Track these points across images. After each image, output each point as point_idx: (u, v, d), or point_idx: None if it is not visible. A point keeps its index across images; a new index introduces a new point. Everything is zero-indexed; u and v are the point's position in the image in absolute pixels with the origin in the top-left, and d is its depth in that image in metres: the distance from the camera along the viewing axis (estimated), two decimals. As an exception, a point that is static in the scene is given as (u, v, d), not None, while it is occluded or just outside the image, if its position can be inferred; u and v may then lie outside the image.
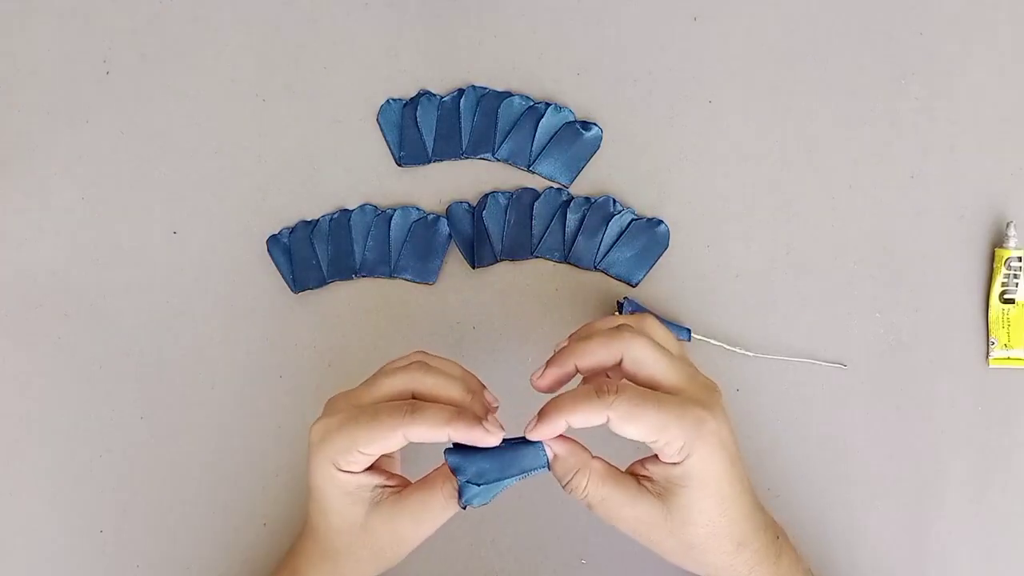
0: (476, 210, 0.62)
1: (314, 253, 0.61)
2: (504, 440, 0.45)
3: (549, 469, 0.46)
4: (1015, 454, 0.60)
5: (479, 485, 0.45)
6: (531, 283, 0.62)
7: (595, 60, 0.63)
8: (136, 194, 0.62)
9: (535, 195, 0.62)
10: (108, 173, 0.63)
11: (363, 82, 0.63)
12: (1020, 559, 0.59)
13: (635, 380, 0.47)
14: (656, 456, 0.46)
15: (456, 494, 0.46)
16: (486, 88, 0.63)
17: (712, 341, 0.60)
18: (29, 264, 0.62)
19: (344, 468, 0.46)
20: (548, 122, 0.62)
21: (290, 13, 0.64)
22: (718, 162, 0.62)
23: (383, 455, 0.47)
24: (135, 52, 0.64)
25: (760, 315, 0.61)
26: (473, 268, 0.62)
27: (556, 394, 0.46)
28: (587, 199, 0.62)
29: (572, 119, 0.62)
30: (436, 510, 0.47)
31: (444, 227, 0.62)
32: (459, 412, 0.45)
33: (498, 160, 0.62)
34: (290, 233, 0.62)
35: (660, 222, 0.62)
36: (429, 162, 0.62)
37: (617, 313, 0.60)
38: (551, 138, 0.62)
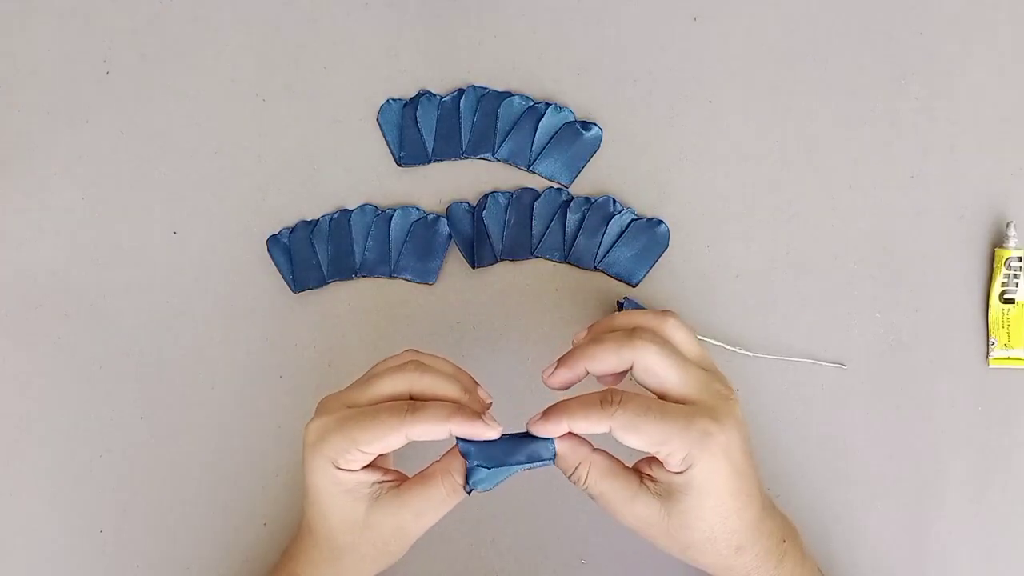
0: (476, 210, 0.62)
1: (314, 253, 0.61)
2: (506, 435, 0.46)
3: (554, 463, 0.47)
4: (1015, 454, 0.60)
5: (488, 468, 0.46)
6: (531, 283, 0.62)
7: (595, 60, 0.63)
8: (136, 194, 0.62)
9: (535, 195, 0.62)
10: (108, 173, 0.63)
11: (363, 82, 0.63)
12: (1020, 559, 0.59)
13: (646, 388, 0.47)
14: (655, 468, 0.47)
15: (462, 479, 0.46)
16: (486, 88, 0.63)
17: (712, 341, 0.60)
18: (29, 264, 0.62)
19: (343, 467, 0.46)
20: (548, 122, 0.62)
21: (290, 13, 0.64)
22: (718, 162, 0.62)
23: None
24: (135, 52, 0.64)
25: (760, 315, 0.61)
26: (473, 268, 0.62)
27: (564, 395, 0.47)
28: (587, 199, 0.62)
29: (572, 119, 0.62)
30: (438, 502, 0.47)
31: (444, 227, 0.62)
32: (458, 408, 0.45)
33: (498, 160, 0.62)
34: (290, 233, 0.62)
35: (660, 222, 0.62)
36: (429, 162, 0.62)
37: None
38: (551, 138, 0.62)
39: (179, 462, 0.60)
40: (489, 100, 0.63)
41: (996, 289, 0.60)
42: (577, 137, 0.62)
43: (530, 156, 0.62)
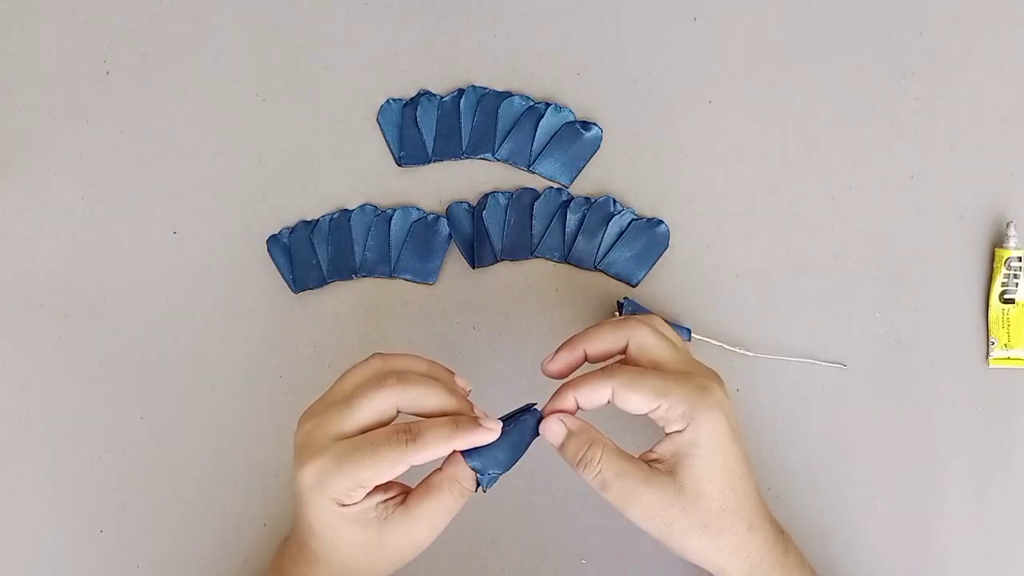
0: (476, 210, 0.62)
1: (314, 253, 0.61)
2: (503, 423, 0.47)
3: (539, 424, 0.48)
4: (1015, 454, 0.60)
5: (498, 471, 0.47)
6: (531, 283, 0.62)
7: (595, 60, 0.63)
8: (136, 194, 0.62)
9: (535, 195, 0.62)
10: (108, 173, 0.63)
11: (363, 82, 0.63)
12: (1020, 559, 0.59)
13: (640, 364, 0.49)
14: (658, 446, 0.48)
15: (471, 484, 0.47)
16: (486, 88, 0.63)
17: (712, 341, 0.60)
18: (29, 264, 0.62)
19: (348, 503, 0.45)
20: (548, 122, 0.62)
21: (290, 13, 0.64)
22: (718, 162, 0.62)
23: None
24: (135, 52, 0.64)
25: (760, 315, 0.61)
26: (473, 268, 0.62)
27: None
28: (587, 199, 0.62)
29: (572, 119, 0.62)
30: (447, 510, 0.47)
31: (444, 227, 0.62)
32: (456, 424, 0.45)
33: (498, 160, 0.62)
34: (290, 233, 0.62)
35: (660, 222, 0.62)
36: (429, 162, 0.62)
37: (617, 313, 0.60)
38: (551, 138, 0.62)
39: (179, 462, 0.60)
40: (489, 100, 0.63)
41: (996, 289, 0.60)
42: (577, 137, 0.62)
43: (530, 156, 0.62)
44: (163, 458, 0.60)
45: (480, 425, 0.45)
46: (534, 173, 0.62)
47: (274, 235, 0.62)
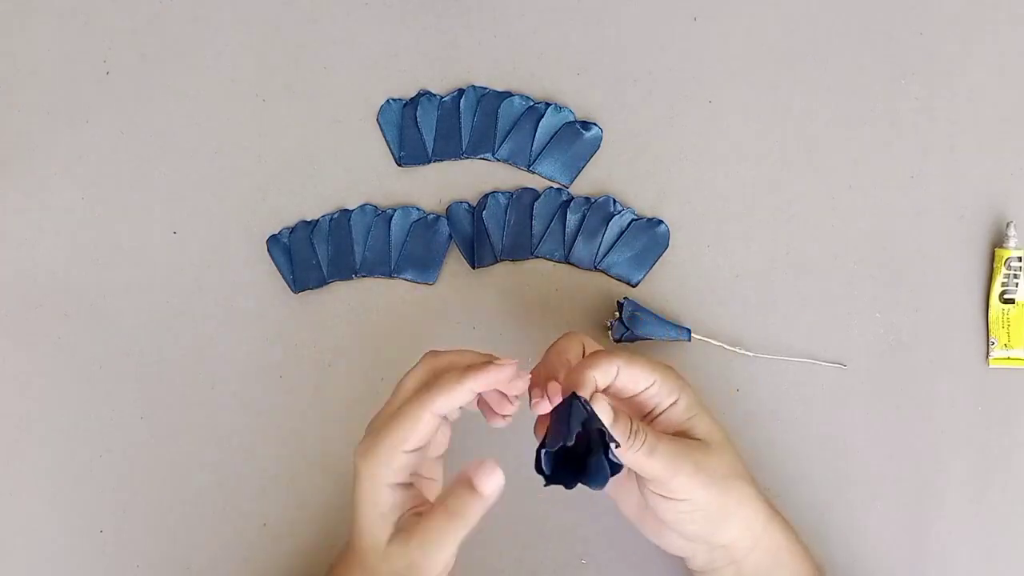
0: (476, 210, 0.62)
1: (314, 253, 0.61)
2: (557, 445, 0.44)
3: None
4: (1015, 454, 0.60)
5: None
6: (531, 283, 0.62)
7: (595, 60, 0.63)
8: (136, 194, 0.62)
9: (535, 195, 0.62)
10: (108, 173, 0.63)
11: (363, 82, 0.63)
12: (1020, 559, 0.59)
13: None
14: (659, 425, 0.51)
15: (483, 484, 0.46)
16: (486, 88, 0.63)
17: (712, 341, 0.60)
18: (29, 264, 0.62)
19: (393, 480, 0.46)
20: (548, 122, 0.62)
21: (290, 13, 0.64)
22: (718, 162, 0.62)
23: (425, 478, 0.50)
24: (135, 52, 0.64)
25: (760, 315, 0.61)
26: (473, 268, 0.62)
27: None
28: (587, 199, 0.62)
29: (572, 119, 0.62)
30: (437, 534, 0.46)
31: (444, 227, 0.62)
32: (470, 367, 0.46)
33: (498, 160, 0.62)
34: (290, 233, 0.62)
35: (660, 222, 0.62)
36: (429, 162, 0.62)
37: (617, 313, 0.60)
38: (551, 138, 0.62)
39: (179, 462, 0.60)
40: (489, 100, 0.63)
41: (996, 289, 0.60)
42: (577, 137, 0.62)
43: (530, 156, 0.62)
44: (163, 458, 0.60)
45: (491, 364, 0.46)
46: (534, 173, 0.62)
47: (274, 235, 0.62)
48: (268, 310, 0.61)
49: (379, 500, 0.47)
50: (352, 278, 0.61)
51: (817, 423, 0.60)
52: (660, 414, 0.51)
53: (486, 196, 0.62)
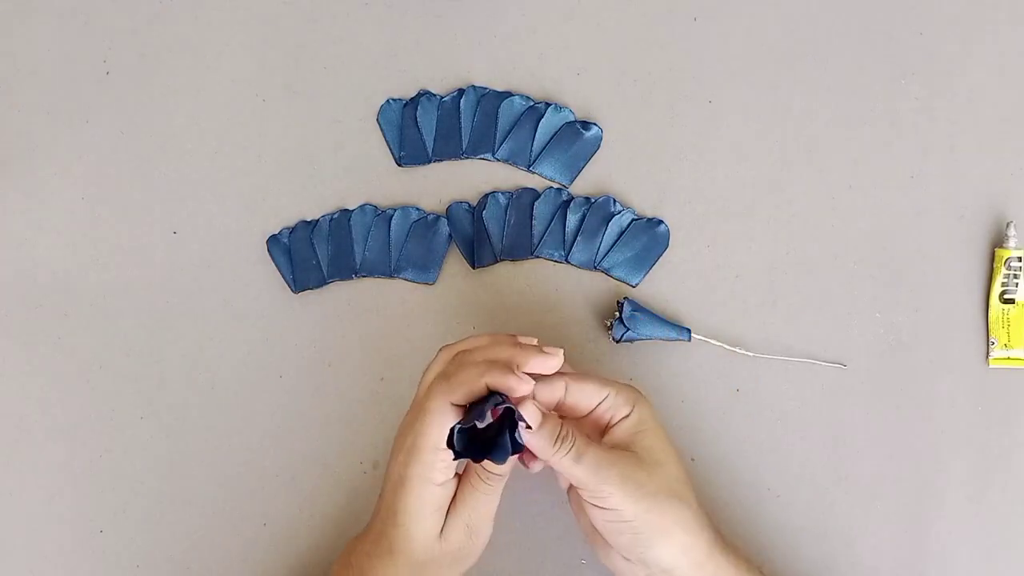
0: (476, 210, 0.62)
1: (314, 253, 0.61)
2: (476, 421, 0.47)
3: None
4: (1015, 454, 0.60)
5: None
6: (531, 283, 0.62)
7: (595, 60, 0.63)
8: (136, 194, 0.62)
9: (535, 195, 0.62)
10: (108, 173, 0.63)
11: (363, 82, 0.63)
12: (1020, 559, 0.59)
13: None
14: (608, 438, 0.52)
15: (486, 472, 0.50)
16: (486, 88, 0.63)
17: (712, 341, 0.60)
18: (29, 264, 0.62)
19: (438, 481, 0.49)
20: (548, 122, 0.62)
21: (290, 13, 0.64)
22: (718, 162, 0.62)
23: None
24: (135, 52, 0.64)
25: (760, 315, 0.61)
26: (473, 268, 0.62)
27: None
28: (587, 199, 0.62)
29: (572, 119, 0.62)
30: (477, 488, 0.50)
31: (444, 227, 0.62)
32: (490, 364, 0.48)
33: (498, 160, 0.62)
34: (290, 233, 0.62)
35: (660, 222, 0.62)
36: (429, 162, 0.62)
37: (617, 313, 0.60)
38: (551, 138, 0.62)
39: (179, 462, 0.60)
40: (489, 100, 0.63)
41: (996, 289, 0.60)
42: (577, 137, 0.62)
43: (530, 156, 0.62)
44: (163, 458, 0.60)
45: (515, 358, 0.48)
46: (534, 173, 0.62)
47: (274, 235, 0.62)
48: (268, 310, 0.61)
49: (432, 499, 0.49)
50: (352, 278, 0.61)
51: (817, 423, 0.60)
52: (612, 427, 0.52)
53: (486, 196, 0.62)
